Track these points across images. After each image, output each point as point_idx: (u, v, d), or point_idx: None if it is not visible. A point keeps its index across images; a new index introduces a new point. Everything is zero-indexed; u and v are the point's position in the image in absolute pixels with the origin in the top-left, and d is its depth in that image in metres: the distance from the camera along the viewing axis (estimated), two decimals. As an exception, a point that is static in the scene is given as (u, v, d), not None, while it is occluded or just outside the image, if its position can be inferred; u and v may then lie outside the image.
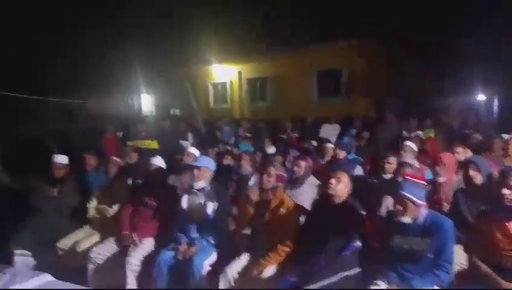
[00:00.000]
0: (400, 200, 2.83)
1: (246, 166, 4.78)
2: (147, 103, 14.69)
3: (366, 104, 11.97)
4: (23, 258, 4.34)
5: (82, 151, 5.77)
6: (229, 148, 7.95)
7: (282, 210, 3.54)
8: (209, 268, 3.74)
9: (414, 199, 2.79)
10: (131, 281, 3.83)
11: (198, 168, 3.93)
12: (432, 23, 11.54)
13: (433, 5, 11.58)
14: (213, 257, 3.80)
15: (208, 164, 4.03)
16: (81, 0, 15.03)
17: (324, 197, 3.47)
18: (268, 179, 3.66)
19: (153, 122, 9.16)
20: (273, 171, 3.69)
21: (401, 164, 3.97)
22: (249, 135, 9.26)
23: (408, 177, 2.93)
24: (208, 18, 14.35)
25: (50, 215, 4.64)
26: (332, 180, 3.28)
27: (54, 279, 2.65)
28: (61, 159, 4.83)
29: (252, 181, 4.72)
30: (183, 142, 8.02)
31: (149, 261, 3.89)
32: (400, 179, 3.52)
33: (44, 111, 12.09)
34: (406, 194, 2.80)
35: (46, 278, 2.63)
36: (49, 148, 8.79)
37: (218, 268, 3.67)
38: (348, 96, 12.80)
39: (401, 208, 2.82)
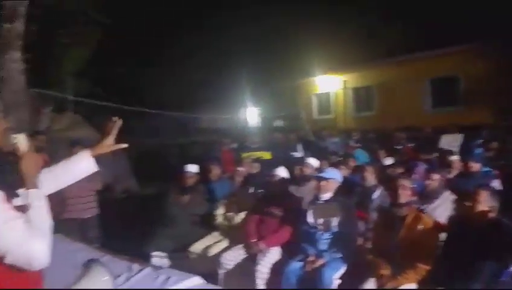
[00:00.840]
0: None
1: (370, 178, 4.63)
2: (253, 115, 15.20)
3: (487, 113, 10.89)
4: (159, 260, 4.70)
5: (201, 162, 6.14)
6: (340, 159, 7.79)
7: (420, 226, 3.34)
8: (338, 282, 3.67)
9: None
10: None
11: (325, 179, 3.91)
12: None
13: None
14: (342, 270, 3.73)
15: (335, 176, 4.00)
16: (193, 21, 16.21)
17: (467, 215, 3.21)
18: (403, 192, 3.48)
19: (262, 134, 9.38)
20: (407, 184, 3.50)
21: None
22: (359, 145, 9.00)
23: None
24: (313, 29, 14.44)
25: (181, 220, 4.99)
26: (476, 196, 3.03)
27: (204, 281, 2.81)
28: (192, 168, 5.18)
29: (377, 194, 4.57)
30: (295, 154, 8.08)
31: (277, 271, 3.96)
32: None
33: (163, 125, 13.19)
34: None
35: (197, 281, 2.80)
36: (172, 159, 9.58)
37: (347, 282, 3.59)
38: (465, 105, 11.80)
39: None
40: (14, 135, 1.65)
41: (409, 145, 8.47)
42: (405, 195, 3.46)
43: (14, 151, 1.62)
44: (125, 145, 2.00)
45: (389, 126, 11.42)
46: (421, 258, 3.23)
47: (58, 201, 4.87)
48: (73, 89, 9.60)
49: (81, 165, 1.90)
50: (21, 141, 1.64)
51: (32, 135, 5.19)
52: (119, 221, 6.35)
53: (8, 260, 1.39)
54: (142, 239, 4.94)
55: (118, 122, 1.96)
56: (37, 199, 1.55)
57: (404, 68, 13.09)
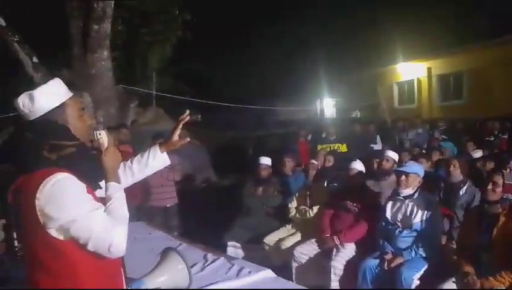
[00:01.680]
0: None
1: (456, 173, 4.27)
2: (330, 106, 14.90)
3: None
4: (234, 249, 4.81)
5: (278, 154, 6.13)
6: (423, 151, 7.32)
7: (516, 226, 3.01)
8: (417, 283, 3.46)
9: None
10: (335, 285, 3.84)
11: (406, 174, 3.70)
12: None
13: None
14: (422, 271, 3.50)
15: (418, 170, 3.75)
16: (270, 15, 16.26)
17: None
18: (495, 189, 3.16)
19: (340, 125, 9.13)
20: (500, 180, 3.17)
21: None
22: (445, 137, 8.40)
23: None
24: (394, 15, 13.71)
25: (255, 212, 5.05)
26: None
27: (275, 275, 2.81)
28: (266, 160, 5.20)
29: (464, 190, 4.23)
30: (373, 146, 7.77)
31: (351, 267, 3.85)
32: None
33: (241, 118, 13.48)
34: None
35: (268, 274, 2.81)
36: (249, 151, 9.75)
37: (428, 284, 3.37)
38: None
39: None
40: (98, 131, 1.76)
41: (503, 136, 7.69)
42: (497, 192, 3.14)
43: (97, 146, 1.73)
44: (187, 140, 2.06)
45: (480, 115, 10.45)
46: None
47: (142, 190, 5.21)
48: (156, 84, 10.16)
49: (154, 161, 2.01)
50: (103, 137, 1.75)
51: (117, 128, 5.54)
52: (199, 210, 6.62)
53: (90, 247, 1.49)
54: (219, 228, 5.10)
55: (186, 118, 2.03)
56: (117, 191, 1.65)
57: (499, 51, 11.84)
